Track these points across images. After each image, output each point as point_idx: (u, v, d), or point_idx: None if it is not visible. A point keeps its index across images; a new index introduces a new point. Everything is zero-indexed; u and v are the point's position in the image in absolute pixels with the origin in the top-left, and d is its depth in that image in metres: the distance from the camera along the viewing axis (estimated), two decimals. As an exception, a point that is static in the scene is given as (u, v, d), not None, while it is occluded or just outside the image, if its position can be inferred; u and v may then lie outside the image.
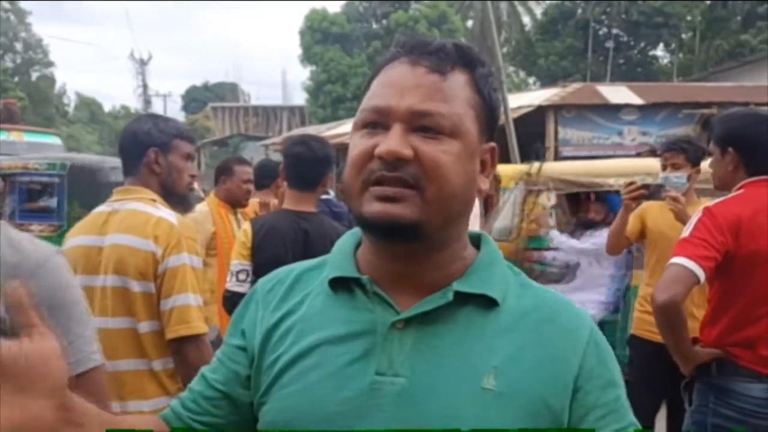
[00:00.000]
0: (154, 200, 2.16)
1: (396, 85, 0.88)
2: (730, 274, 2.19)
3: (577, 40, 29.04)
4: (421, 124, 0.86)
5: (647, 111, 13.91)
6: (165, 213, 2.13)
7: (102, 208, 2.18)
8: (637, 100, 14.23)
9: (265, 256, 2.75)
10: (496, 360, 0.87)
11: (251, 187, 4.02)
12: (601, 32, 29.89)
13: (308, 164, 2.84)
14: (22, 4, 41.48)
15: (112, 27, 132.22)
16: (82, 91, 56.89)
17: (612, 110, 14.03)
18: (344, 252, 0.97)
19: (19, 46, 41.11)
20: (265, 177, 4.34)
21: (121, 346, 2.05)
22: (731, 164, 2.31)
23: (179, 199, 2.27)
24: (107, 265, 2.06)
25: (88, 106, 50.18)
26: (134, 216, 2.10)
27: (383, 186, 0.85)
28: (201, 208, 3.81)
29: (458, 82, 0.90)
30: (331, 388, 0.86)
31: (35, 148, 12.85)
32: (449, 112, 0.87)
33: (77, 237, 2.15)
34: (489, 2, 13.19)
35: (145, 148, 2.19)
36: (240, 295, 2.69)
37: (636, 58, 30.87)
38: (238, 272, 2.75)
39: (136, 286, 2.04)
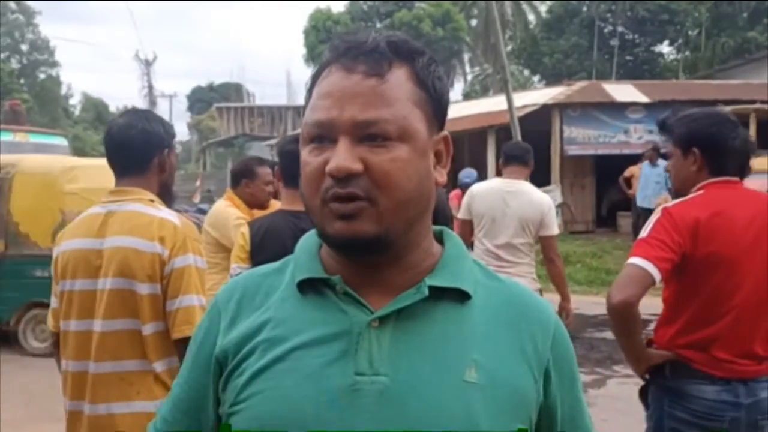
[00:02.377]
0: (152, 200, 2.15)
1: (334, 95, 0.86)
2: (686, 275, 2.17)
3: (582, 38, 28.98)
4: (366, 134, 0.85)
5: (653, 109, 13.85)
6: (167, 214, 2.12)
7: (97, 210, 2.14)
8: (643, 98, 14.19)
9: (265, 258, 2.73)
10: (475, 353, 0.87)
11: (271, 188, 3.92)
12: (606, 30, 29.81)
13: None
14: (31, 4, 41.66)
15: (116, 27, 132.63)
16: (89, 92, 57.03)
17: (618, 108, 13.99)
18: (309, 252, 0.95)
19: (25, 47, 41.26)
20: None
21: (127, 348, 2.05)
22: (695, 165, 2.27)
23: (170, 196, 2.28)
24: (109, 267, 2.05)
25: (95, 107, 50.30)
26: (136, 218, 2.08)
27: (339, 203, 0.85)
28: (233, 213, 3.69)
29: (398, 80, 0.87)
30: (309, 390, 0.84)
31: (41, 149, 12.90)
32: (393, 115, 0.85)
33: (73, 240, 2.12)
34: (493, 0, 13.15)
35: (160, 147, 2.19)
36: None
37: (641, 55, 30.77)
38: (236, 275, 2.73)
39: (143, 288, 2.03)
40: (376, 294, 0.90)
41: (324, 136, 0.86)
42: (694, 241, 2.14)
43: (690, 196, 2.28)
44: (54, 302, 2.18)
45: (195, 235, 2.15)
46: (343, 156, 0.84)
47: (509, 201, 4.09)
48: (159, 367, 2.07)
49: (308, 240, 0.98)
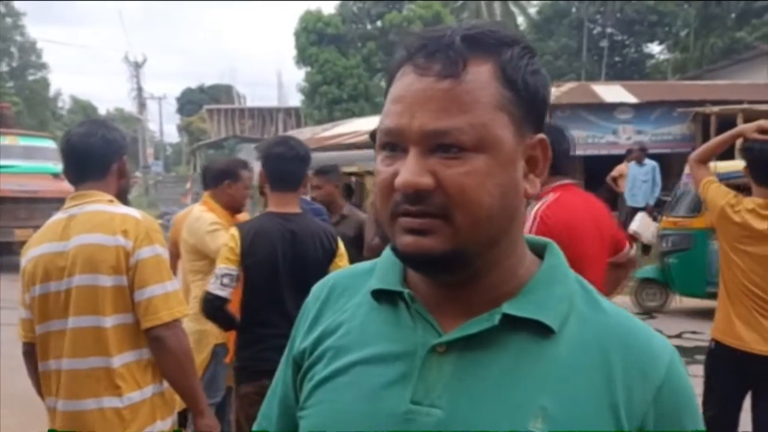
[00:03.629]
0: (111, 200, 2.21)
1: (405, 100, 0.77)
2: None
3: (571, 39, 29.12)
4: (438, 144, 0.75)
5: (642, 109, 13.95)
6: (127, 209, 2.19)
7: (59, 216, 2.20)
8: (631, 99, 14.27)
9: (255, 260, 2.76)
10: (546, 400, 0.75)
11: (250, 192, 3.90)
12: (595, 31, 29.96)
13: (291, 164, 2.83)
14: (16, 5, 41.43)
15: (105, 29, 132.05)
16: (77, 94, 56.76)
17: (607, 109, 14.06)
18: (393, 260, 0.86)
19: (14, 49, 41.01)
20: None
21: (91, 345, 2.08)
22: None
23: (125, 202, 2.34)
24: (74, 265, 2.08)
25: (84, 109, 50.10)
26: (96, 216, 2.14)
27: (410, 217, 0.77)
28: (208, 218, 3.60)
29: (478, 80, 0.76)
30: (364, 411, 0.80)
31: (30, 152, 12.84)
32: (470, 124, 0.75)
33: (39, 246, 2.17)
34: (483, 2, 13.20)
35: (119, 154, 2.28)
36: (221, 299, 2.70)
37: (630, 56, 30.93)
38: (223, 275, 2.73)
39: (107, 281, 2.07)
40: (451, 315, 0.81)
41: (396, 144, 0.78)
42: (569, 242, 2.27)
43: (551, 198, 2.51)
44: (24, 313, 2.22)
45: (156, 227, 2.21)
46: (411, 170, 0.75)
47: None
48: (127, 359, 2.10)
49: None
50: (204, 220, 3.59)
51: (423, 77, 0.76)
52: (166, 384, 2.21)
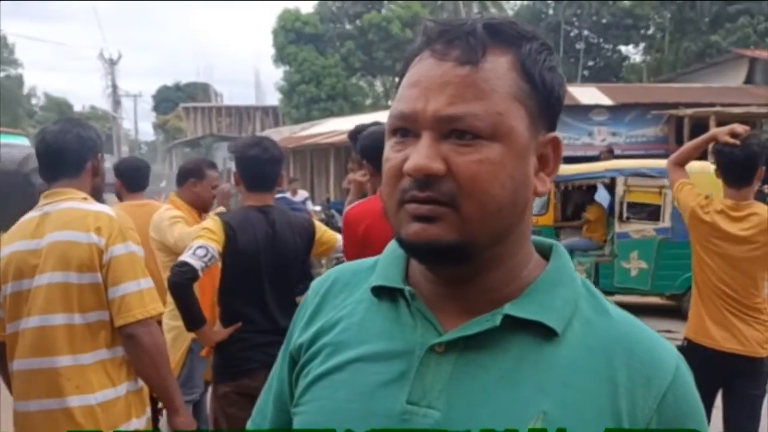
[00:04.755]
0: (85, 198, 2.20)
1: (421, 84, 0.76)
2: None
3: (548, 41, 29.31)
4: (452, 130, 0.74)
5: (617, 112, 14.13)
6: (101, 207, 2.19)
7: (32, 214, 2.19)
8: (606, 101, 14.44)
9: (236, 250, 2.74)
10: (547, 404, 0.73)
11: (216, 193, 3.92)
12: (572, 34, 30.23)
13: (266, 165, 2.86)
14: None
15: (80, 25, 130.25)
16: (51, 92, 55.99)
17: (582, 111, 14.21)
18: (394, 256, 0.85)
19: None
20: (141, 178, 4.15)
21: (63, 343, 2.06)
22: (366, 175, 2.84)
23: (100, 200, 2.34)
24: (46, 262, 2.07)
25: (59, 106, 49.40)
26: (70, 213, 2.13)
27: (417, 203, 0.75)
28: (169, 213, 3.63)
29: (497, 69, 0.75)
30: (360, 409, 0.78)
31: (2, 148, 12.65)
32: (486, 111, 0.73)
33: (11, 244, 2.15)
34: (461, 3, 13.26)
35: (93, 151, 2.27)
36: (188, 266, 2.58)
37: (606, 59, 31.27)
38: (197, 247, 2.64)
39: (81, 279, 2.06)
40: (453, 314, 0.79)
41: (408, 129, 0.76)
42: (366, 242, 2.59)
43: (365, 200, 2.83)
44: None
45: (130, 224, 2.20)
46: (423, 154, 0.73)
47: None
48: (101, 356, 2.09)
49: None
50: (165, 215, 3.63)
51: (441, 62, 0.75)
52: (141, 382, 2.20)
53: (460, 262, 0.77)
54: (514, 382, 0.75)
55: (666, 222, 6.90)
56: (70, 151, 2.22)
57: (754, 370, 3.01)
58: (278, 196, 4.05)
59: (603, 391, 0.74)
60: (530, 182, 0.78)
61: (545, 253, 0.85)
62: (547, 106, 0.79)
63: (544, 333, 0.76)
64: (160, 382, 2.17)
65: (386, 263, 0.86)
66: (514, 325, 0.76)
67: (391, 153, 0.78)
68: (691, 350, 3.08)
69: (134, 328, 2.08)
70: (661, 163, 7.39)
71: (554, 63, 0.79)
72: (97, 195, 2.31)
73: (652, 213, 7.25)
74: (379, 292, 0.84)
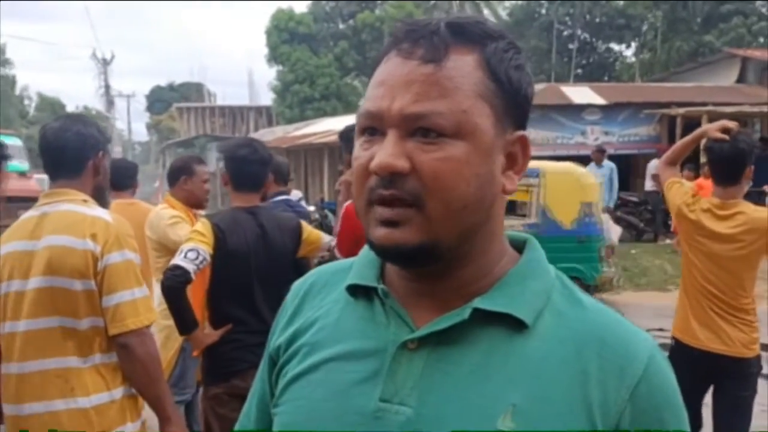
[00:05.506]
0: (85, 201, 2.17)
1: (387, 83, 0.77)
2: None
3: (541, 41, 29.37)
4: (417, 128, 0.74)
5: (609, 111, 14.16)
6: (100, 212, 2.15)
7: (31, 213, 2.16)
8: (599, 100, 14.47)
9: (226, 251, 2.75)
10: (516, 396, 0.73)
11: (209, 187, 3.96)
12: (565, 33, 30.28)
13: (255, 166, 2.88)
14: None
15: (73, 25, 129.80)
16: (45, 92, 55.74)
17: (575, 110, 14.24)
18: (370, 255, 0.85)
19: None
20: (125, 177, 4.19)
21: (54, 345, 2.04)
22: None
23: (104, 199, 2.31)
24: (39, 265, 2.05)
25: (52, 107, 49.19)
26: (68, 216, 2.10)
27: (383, 206, 0.75)
28: (167, 213, 3.67)
29: (461, 68, 0.75)
30: (335, 408, 0.79)
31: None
32: (450, 109, 0.74)
33: (10, 243, 2.13)
34: (455, 3, 13.27)
35: (95, 150, 2.22)
36: (181, 269, 2.60)
37: (599, 58, 31.34)
38: (188, 250, 2.67)
39: (77, 285, 2.04)
40: (426, 311, 0.79)
41: (375, 128, 0.77)
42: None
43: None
44: None
45: (128, 231, 2.17)
46: (388, 151, 0.74)
47: None
48: (98, 360, 2.08)
49: None
50: (164, 215, 3.64)
51: (407, 61, 0.76)
52: None
53: (427, 263, 0.77)
54: (484, 375, 0.75)
55: (533, 218, 7.24)
56: (70, 149, 2.18)
57: (741, 371, 2.99)
58: (279, 198, 4.08)
59: (574, 382, 0.74)
60: (497, 180, 0.78)
61: (520, 247, 0.85)
62: (514, 105, 0.79)
63: (514, 325, 0.76)
64: (153, 391, 2.15)
65: (362, 263, 0.87)
66: (484, 318, 0.76)
67: (359, 152, 0.79)
68: (678, 349, 3.10)
69: (127, 338, 2.06)
70: (533, 163, 7.48)
71: (521, 62, 0.80)
72: (100, 194, 2.27)
73: (520, 209, 7.60)
74: (354, 291, 0.85)
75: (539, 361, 0.75)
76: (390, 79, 0.77)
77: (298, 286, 0.95)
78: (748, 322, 2.99)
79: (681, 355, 3.08)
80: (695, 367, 3.00)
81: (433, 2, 32.37)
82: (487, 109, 0.76)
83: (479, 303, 0.77)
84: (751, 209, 2.96)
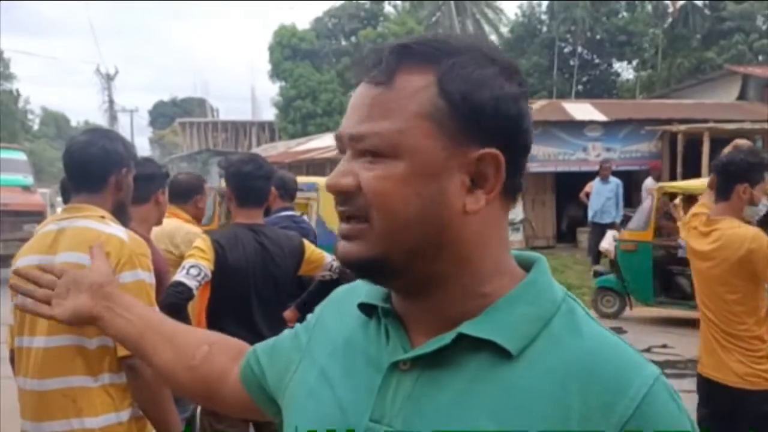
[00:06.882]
0: (103, 217, 2.15)
1: (350, 106, 0.80)
2: None
3: (542, 57, 29.52)
4: (360, 149, 0.77)
5: (611, 127, 14.19)
6: (115, 230, 2.12)
7: (50, 227, 2.15)
8: (601, 117, 14.51)
9: (226, 269, 2.75)
10: (492, 426, 0.71)
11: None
12: (566, 50, 30.44)
13: (260, 182, 2.89)
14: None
15: (77, 41, 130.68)
16: (48, 106, 56.01)
17: (577, 126, 14.27)
18: None
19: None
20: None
21: (71, 363, 2.02)
22: None
23: (125, 216, 2.30)
24: None
25: (56, 121, 49.41)
26: (84, 233, 2.07)
27: (342, 222, 0.80)
28: (193, 229, 3.69)
29: (406, 88, 0.75)
30: (328, 424, 0.80)
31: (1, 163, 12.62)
32: (387, 129, 0.75)
33: (27, 257, 2.12)
34: (456, 19, 13.35)
35: (119, 166, 2.21)
36: (183, 285, 2.60)
37: (600, 75, 31.48)
38: (190, 266, 2.67)
39: None
40: (422, 332, 0.80)
41: (341, 149, 0.81)
42: None
43: None
44: (12, 319, 2.17)
45: (143, 251, 2.14)
46: (337, 171, 0.78)
47: None
48: (106, 380, 2.05)
49: None
50: (192, 230, 3.66)
51: (364, 85, 0.79)
52: None
53: (385, 277, 0.80)
54: (465, 403, 0.73)
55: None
56: (93, 165, 2.16)
57: (742, 402, 2.73)
58: (284, 213, 4.09)
59: (553, 415, 0.70)
60: (449, 201, 0.75)
61: (529, 268, 0.82)
62: (474, 122, 0.75)
63: (501, 353, 0.74)
64: (160, 414, 2.11)
65: None
66: (472, 344, 0.75)
67: None
68: (697, 380, 2.96)
69: (135, 360, 1.99)
70: (311, 178, 8.02)
71: (486, 76, 0.76)
72: (122, 210, 2.26)
73: None
74: (365, 308, 0.86)
75: (522, 391, 0.72)
76: (352, 102, 0.80)
77: (335, 293, 0.98)
78: (746, 352, 2.74)
79: (698, 386, 2.93)
80: (709, 397, 2.85)
81: (434, 19, 32.58)
82: (431, 128, 0.75)
83: (465, 328, 0.75)
84: (730, 225, 2.77)
